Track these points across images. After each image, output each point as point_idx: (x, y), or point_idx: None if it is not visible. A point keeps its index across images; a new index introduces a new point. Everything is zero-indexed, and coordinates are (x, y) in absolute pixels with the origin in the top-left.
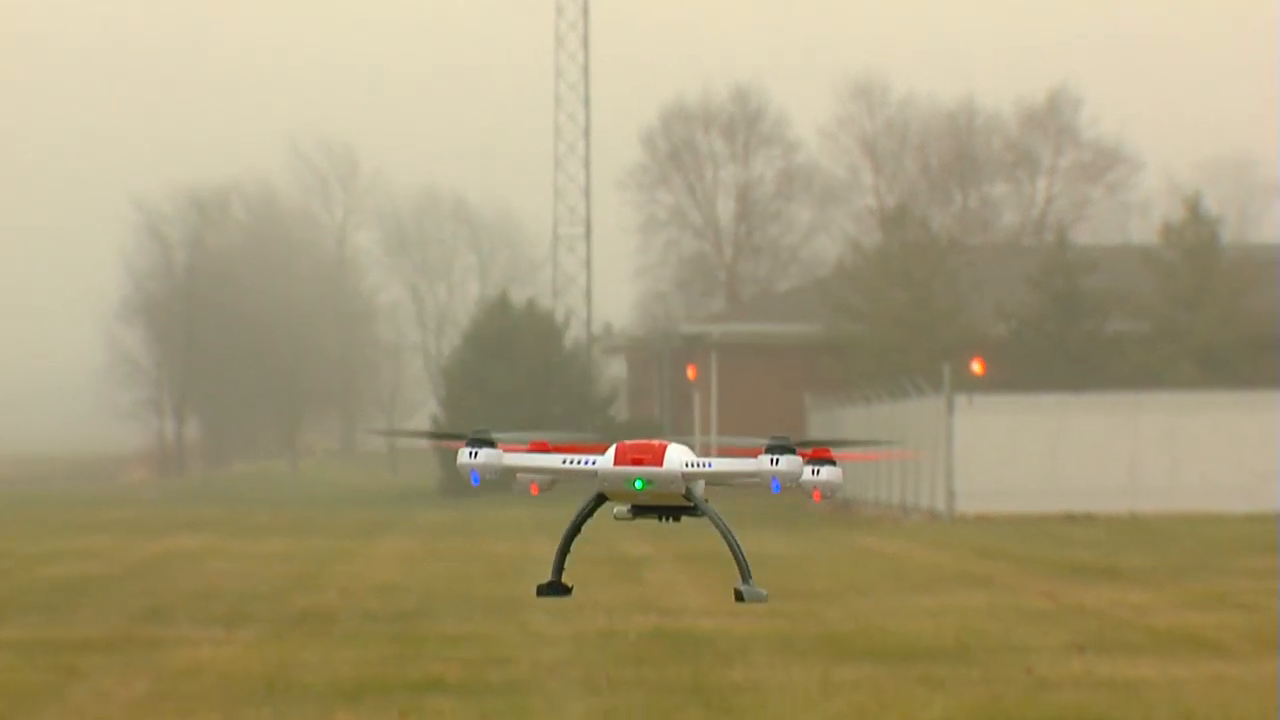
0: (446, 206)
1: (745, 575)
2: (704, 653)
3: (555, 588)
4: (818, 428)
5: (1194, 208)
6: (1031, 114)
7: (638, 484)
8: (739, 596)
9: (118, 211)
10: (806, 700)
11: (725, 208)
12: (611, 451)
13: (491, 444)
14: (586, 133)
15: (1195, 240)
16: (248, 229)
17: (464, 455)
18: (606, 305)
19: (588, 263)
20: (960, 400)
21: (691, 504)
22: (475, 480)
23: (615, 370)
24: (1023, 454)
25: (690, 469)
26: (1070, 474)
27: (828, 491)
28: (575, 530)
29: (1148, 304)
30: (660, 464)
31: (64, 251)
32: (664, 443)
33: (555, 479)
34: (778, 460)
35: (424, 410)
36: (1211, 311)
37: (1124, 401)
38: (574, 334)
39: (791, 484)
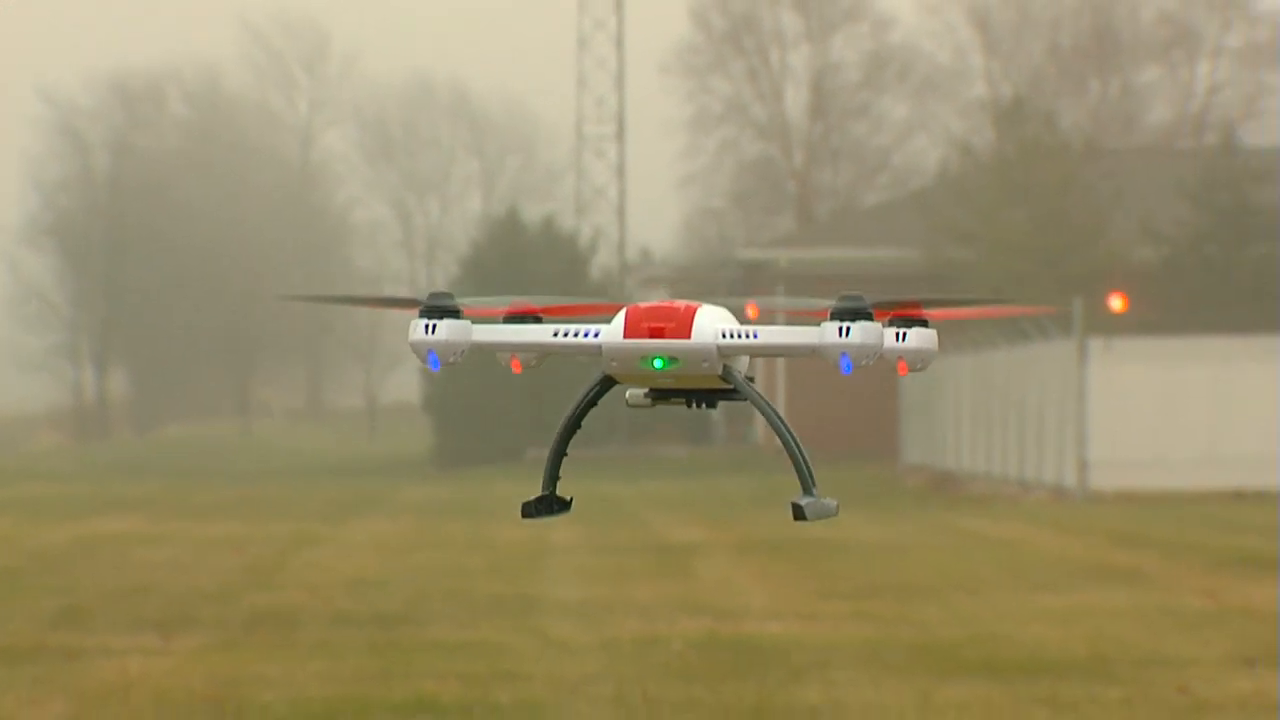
0: (442, 100)
1: (807, 485)
2: (770, 666)
3: (546, 504)
4: (911, 379)
5: None
6: None
7: (657, 363)
8: (799, 513)
9: (20, 107)
10: None
11: (797, 100)
12: (621, 318)
13: (456, 312)
14: (619, 2)
15: None
16: (187, 128)
17: (417, 330)
18: (644, 225)
19: (620, 170)
20: (1096, 345)
21: (730, 386)
22: (434, 364)
23: None
24: (1176, 413)
25: (728, 340)
26: (1238, 439)
27: (916, 363)
28: (574, 425)
29: None
30: (687, 335)
31: None
32: (691, 304)
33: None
34: (848, 329)
35: (411, 359)
36: None
37: None
38: (603, 261)
39: (868, 361)
